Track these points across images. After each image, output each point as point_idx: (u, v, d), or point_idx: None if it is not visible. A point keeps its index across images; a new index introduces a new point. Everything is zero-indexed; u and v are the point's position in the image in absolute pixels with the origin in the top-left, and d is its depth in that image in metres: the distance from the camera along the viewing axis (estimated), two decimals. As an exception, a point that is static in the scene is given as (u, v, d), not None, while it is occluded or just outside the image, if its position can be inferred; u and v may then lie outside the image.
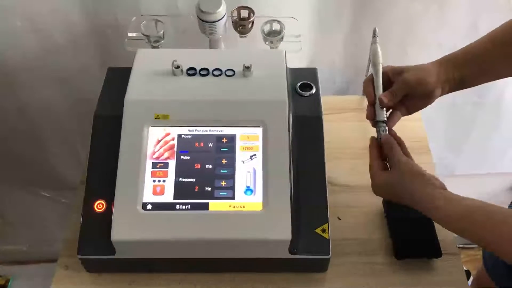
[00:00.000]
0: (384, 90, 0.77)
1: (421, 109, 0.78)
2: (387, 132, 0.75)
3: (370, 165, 0.74)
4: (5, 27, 0.94)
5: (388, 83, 0.77)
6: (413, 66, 0.75)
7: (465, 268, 1.49)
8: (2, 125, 1.14)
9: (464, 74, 0.74)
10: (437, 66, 0.74)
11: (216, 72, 0.81)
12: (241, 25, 0.90)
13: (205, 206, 0.73)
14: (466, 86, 0.76)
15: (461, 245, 1.56)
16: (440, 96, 0.75)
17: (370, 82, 0.78)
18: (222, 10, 0.86)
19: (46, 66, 1.02)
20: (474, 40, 0.75)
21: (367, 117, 0.77)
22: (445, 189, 0.66)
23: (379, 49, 0.82)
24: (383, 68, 0.79)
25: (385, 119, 0.75)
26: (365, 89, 0.78)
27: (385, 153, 0.73)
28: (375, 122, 0.76)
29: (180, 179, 0.74)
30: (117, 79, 0.82)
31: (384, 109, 0.76)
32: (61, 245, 0.83)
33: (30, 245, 1.56)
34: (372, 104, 0.77)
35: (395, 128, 0.77)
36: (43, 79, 1.04)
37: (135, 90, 0.79)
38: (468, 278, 1.42)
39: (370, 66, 0.81)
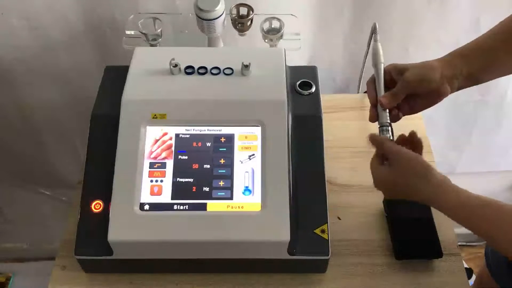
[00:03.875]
0: (387, 90, 0.74)
1: (428, 107, 0.75)
2: (390, 135, 0.73)
3: (371, 162, 0.72)
4: (1, 25, 0.93)
5: (391, 82, 0.75)
6: (416, 64, 0.73)
7: (467, 266, 1.49)
8: (1, 124, 1.14)
9: (473, 69, 0.71)
10: (442, 62, 0.72)
11: (214, 71, 0.80)
12: (240, 22, 0.89)
13: (203, 207, 0.72)
14: (475, 81, 0.73)
15: (463, 243, 1.57)
16: (450, 93, 0.72)
17: (372, 82, 0.77)
18: (221, 7, 0.85)
19: (43, 64, 1.01)
20: (476, 36, 0.74)
21: (370, 120, 0.75)
22: (450, 181, 0.65)
23: (380, 48, 0.79)
24: (386, 67, 0.76)
25: (388, 121, 0.73)
26: (367, 90, 0.77)
27: (378, 151, 0.71)
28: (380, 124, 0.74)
29: (178, 179, 0.74)
30: (115, 78, 0.82)
31: (387, 110, 0.73)
32: (59, 244, 0.83)
33: (31, 242, 1.57)
34: (374, 106, 0.75)
35: (395, 126, 0.75)
36: (41, 78, 1.04)
37: (132, 89, 0.78)
38: (470, 276, 1.42)
39: (372, 66, 0.79)
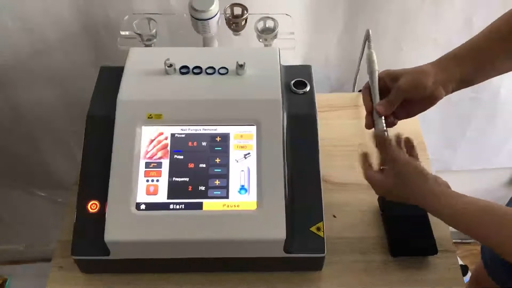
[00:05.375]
0: (382, 96, 0.75)
1: (423, 111, 0.76)
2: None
3: (366, 174, 0.73)
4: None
5: (385, 89, 0.76)
6: (409, 69, 0.73)
7: (462, 263, 1.50)
8: (-4, 125, 1.14)
9: (466, 72, 0.72)
10: (435, 67, 0.73)
11: (209, 71, 0.81)
12: (235, 22, 0.89)
13: (199, 206, 0.73)
14: (469, 83, 0.74)
15: (458, 240, 1.58)
16: (445, 96, 0.73)
17: (367, 90, 0.77)
18: (215, 7, 0.86)
19: (38, 65, 1.01)
20: (469, 35, 0.74)
21: (366, 127, 0.76)
22: (449, 187, 0.66)
23: (374, 56, 0.79)
24: (379, 73, 0.77)
25: (384, 128, 0.74)
26: (363, 98, 0.78)
27: (380, 150, 0.72)
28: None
29: (174, 178, 0.74)
30: (110, 78, 0.82)
31: (383, 117, 0.74)
32: (56, 245, 0.83)
33: (27, 244, 1.56)
34: (369, 113, 0.76)
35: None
36: (36, 79, 1.04)
37: (127, 90, 0.78)
38: (465, 273, 1.43)
39: (367, 73, 0.80)
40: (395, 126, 0.77)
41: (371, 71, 0.79)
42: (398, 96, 0.73)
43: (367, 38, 0.83)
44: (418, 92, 0.72)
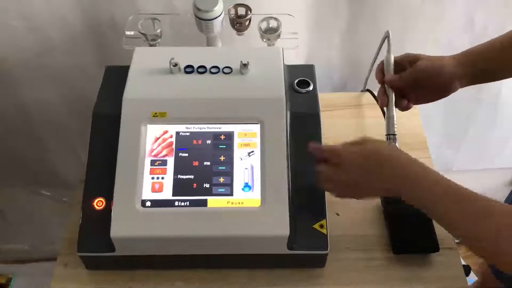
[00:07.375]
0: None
1: (434, 100, 0.77)
2: (396, 144, 0.77)
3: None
4: (1, 26, 0.94)
5: (402, 70, 0.78)
6: (429, 56, 0.75)
7: (465, 263, 1.50)
8: (1, 124, 1.15)
9: (485, 69, 0.73)
10: (455, 60, 0.74)
11: (213, 70, 0.82)
12: (238, 22, 0.90)
13: (204, 203, 0.73)
14: (486, 81, 0.76)
15: (460, 241, 1.57)
16: (457, 90, 0.75)
17: (380, 69, 0.80)
18: (219, 8, 0.86)
19: (43, 65, 1.02)
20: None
21: (380, 106, 0.79)
22: (426, 168, 0.63)
23: (392, 60, 0.80)
24: (397, 57, 0.79)
25: (395, 133, 0.76)
26: (376, 72, 0.80)
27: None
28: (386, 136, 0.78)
29: (179, 176, 0.75)
30: (115, 78, 0.83)
31: (395, 123, 0.76)
32: (61, 243, 0.83)
33: (32, 243, 1.57)
34: (383, 93, 0.78)
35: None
36: (41, 78, 1.05)
37: (133, 88, 0.79)
38: (468, 273, 1.43)
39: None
40: (398, 126, 0.78)
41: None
42: (412, 75, 0.75)
43: (387, 39, 0.84)
44: (432, 78, 0.73)
